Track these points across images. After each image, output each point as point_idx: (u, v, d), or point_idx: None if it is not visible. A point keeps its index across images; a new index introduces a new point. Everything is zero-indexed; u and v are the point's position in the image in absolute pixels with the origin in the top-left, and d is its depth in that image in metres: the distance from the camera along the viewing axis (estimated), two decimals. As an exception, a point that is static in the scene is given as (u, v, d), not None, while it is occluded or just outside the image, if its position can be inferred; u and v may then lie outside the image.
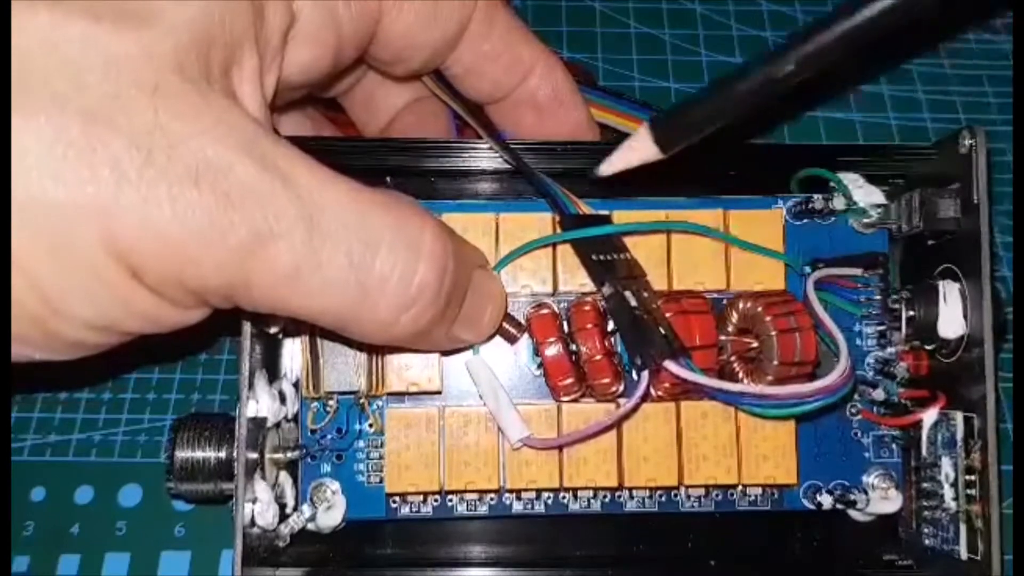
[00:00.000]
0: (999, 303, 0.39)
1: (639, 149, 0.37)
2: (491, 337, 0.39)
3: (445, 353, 0.40)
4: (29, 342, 0.28)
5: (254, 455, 0.38)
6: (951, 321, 0.39)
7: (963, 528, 0.38)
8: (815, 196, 0.41)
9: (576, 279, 0.41)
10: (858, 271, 0.41)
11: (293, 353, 0.42)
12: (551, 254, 0.41)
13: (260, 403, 0.39)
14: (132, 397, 0.50)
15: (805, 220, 0.42)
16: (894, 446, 0.42)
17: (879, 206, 0.41)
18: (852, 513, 0.42)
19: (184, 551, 0.46)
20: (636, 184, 0.42)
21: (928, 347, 0.41)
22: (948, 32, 0.63)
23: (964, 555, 0.38)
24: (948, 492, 0.38)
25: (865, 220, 0.42)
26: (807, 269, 0.42)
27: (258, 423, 0.38)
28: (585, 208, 0.40)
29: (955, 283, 0.39)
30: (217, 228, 0.26)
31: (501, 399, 0.39)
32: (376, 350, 0.40)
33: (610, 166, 0.38)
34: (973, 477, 0.38)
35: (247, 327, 0.38)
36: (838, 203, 0.41)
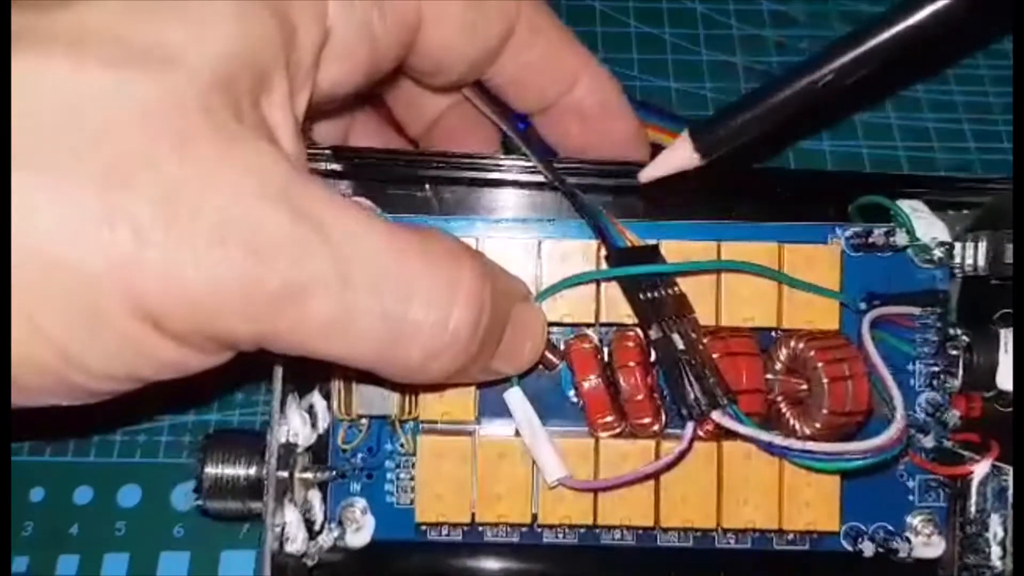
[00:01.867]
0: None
1: (679, 155, 0.37)
2: (531, 370, 0.38)
3: (481, 384, 0.39)
4: (45, 391, 0.27)
5: (284, 474, 0.37)
6: (1011, 373, 0.37)
7: (1009, 589, 0.37)
8: (875, 231, 0.39)
9: (618, 309, 0.39)
10: (916, 310, 0.40)
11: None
12: (594, 283, 0.39)
13: (291, 427, 0.38)
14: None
15: (863, 253, 0.40)
16: (940, 491, 0.40)
17: (942, 244, 0.39)
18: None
19: (184, 551, 0.46)
20: (686, 204, 0.40)
21: (986, 394, 0.39)
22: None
23: (1008, 617, 0.37)
24: (995, 551, 0.37)
25: (927, 258, 0.39)
26: (862, 305, 0.39)
27: (289, 448, 0.37)
28: (632, 237, 0.38)
29: (1017, 331, 0.37)
30: (245, 285, 0.25)
31: (539, 435, 0.38)
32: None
33: (650, 172, 0.38)
34: (1023, 536, 0.36)
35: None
36: (900, 239, 0.39)
